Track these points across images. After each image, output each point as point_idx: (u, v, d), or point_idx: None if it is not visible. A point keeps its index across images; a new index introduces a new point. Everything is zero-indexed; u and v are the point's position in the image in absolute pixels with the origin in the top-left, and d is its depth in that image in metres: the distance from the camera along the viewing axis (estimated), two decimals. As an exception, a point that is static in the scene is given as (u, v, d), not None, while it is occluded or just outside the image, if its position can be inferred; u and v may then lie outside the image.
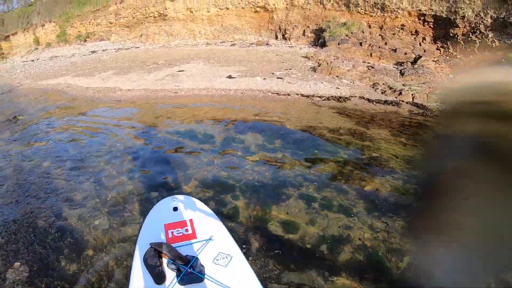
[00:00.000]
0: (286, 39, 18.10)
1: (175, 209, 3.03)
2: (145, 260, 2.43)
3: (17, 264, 3.47)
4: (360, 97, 8.99)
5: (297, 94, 9.53)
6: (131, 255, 3.05)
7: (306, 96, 9.38)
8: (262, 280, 3.00)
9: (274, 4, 18.54)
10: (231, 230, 3.39)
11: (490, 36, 11.31)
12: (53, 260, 3.51)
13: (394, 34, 14.29)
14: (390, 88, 9.29)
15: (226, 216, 4.05)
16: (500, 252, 0.89)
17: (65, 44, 25.64)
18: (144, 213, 3.33)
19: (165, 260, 2.45)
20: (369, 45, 13.61)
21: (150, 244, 2.51)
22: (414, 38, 13.77)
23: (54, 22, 26.64)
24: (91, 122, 8.48)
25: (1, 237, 3.94)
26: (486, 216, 0.86)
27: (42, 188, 5.03)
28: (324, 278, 3.12)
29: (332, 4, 16.52)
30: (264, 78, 11.10)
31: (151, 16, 22.64)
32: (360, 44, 13.74)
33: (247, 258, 2.71)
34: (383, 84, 9.75)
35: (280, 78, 11.06)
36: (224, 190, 4.68)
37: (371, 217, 3.96)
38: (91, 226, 4.05)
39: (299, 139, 6.46)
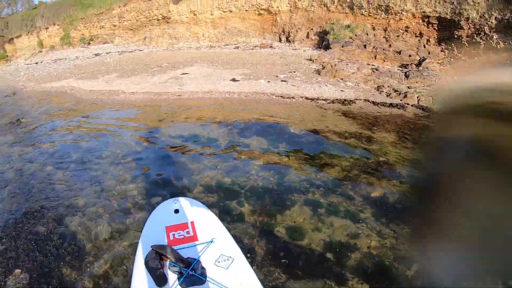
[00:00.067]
0: (290, 41, 18.07)
1: (177, 211, 3.03)
2: (147, 263, 2.42)
3: (17, 271, 3.42)
4: (365, 100, 8.92)
5: (302, 97, 9.47)
6: (132, 258, 3.03)
7: (310, 99, 9.32)
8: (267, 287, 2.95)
9: (277, 7, 18.53)
10: (236, 236, 3.33)
11: (494, 37, 11.23)
12: (54, 267, 3.47)
13: (398, 36, 14.22)
14: (395, 91, 9.21)
15: (231, 222, 3.98)
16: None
17: (69, 46, 25.72)
18: (146, 217, 3.29)
19: (166, 263, 2.43)
20: (373, 47, 13.55)
21: (152, 246, 2.50)
22: (419, 40, 13.69)
23: (58, 25, 26.75)
24: (94, 125, 8.46)
25: (1, 243, 3.90)
26: (494, 220, 0.84)
27: (43, 193, 5.00)
28: None
29: (336, 6, 16.48)
30: (268, 81, 11.05)
31: (154, 19, 22.69)
32: (364, 46, 13.67)
33: (250, 262, 2.66)
34: (388, 86, 9.67)
35: (284, 81, 11.01)
36: (229, 195, 4.62)
37: (379, 223, 3.88)
38: (92, 232, 4.01)
39: (304, 143, 6.39)
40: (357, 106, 8.59)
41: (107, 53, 21.60)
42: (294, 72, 12.13)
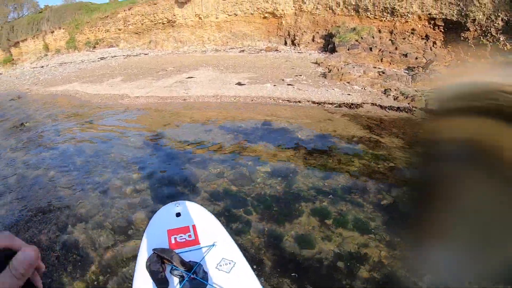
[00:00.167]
0: (295, 45, 18.05)
1: (178, 214, 2.99)
2: (148, 266, 2.40)
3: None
4: (372, 104, 8.83)
5: (308, 101, 9.40)
6: (133, 262, 3.03)
7: (317, 103, 9.25)
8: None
9: (283, 10, 18.53)
10: (242, 245, 3.26)
11: (501, 39, 11.14)
12: (56, 276, 3.41)
13: (404, 38, 14.14)
14: (402, 94, 9.12)
15: (236, 228, 3.91)
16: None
17: (74, 50, 25.91)
18: (148, 221, 3.25)
19: (168, 266, 2.41)
20: (379, 50, 13.47)
21: (153, 250, 2.47)
22: (425, 43, 13.60)
23: (63, 28, 26.97)
24: (98, 129, 8.44)
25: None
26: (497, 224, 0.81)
27: (46, 199, 4.96)
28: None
29: (342, 9, 16.45)
30: (274, 85, 10.99)
31: (159, 23, 22.78)
32: (370, 49, 13.60)
33: (257, 275, 2.60)
34: (395, 90, 9.58)
35: (290, 84, 10.95)
36: (235, 203, 4.54)
37: (390, 232, 3.78)
38: (94, 237, 3.97)
39: (312, 148, 6.31)
40: (365, 110, 8.50)
41: (112, 57, 21.71)
42: (300, 75, 12.07)
